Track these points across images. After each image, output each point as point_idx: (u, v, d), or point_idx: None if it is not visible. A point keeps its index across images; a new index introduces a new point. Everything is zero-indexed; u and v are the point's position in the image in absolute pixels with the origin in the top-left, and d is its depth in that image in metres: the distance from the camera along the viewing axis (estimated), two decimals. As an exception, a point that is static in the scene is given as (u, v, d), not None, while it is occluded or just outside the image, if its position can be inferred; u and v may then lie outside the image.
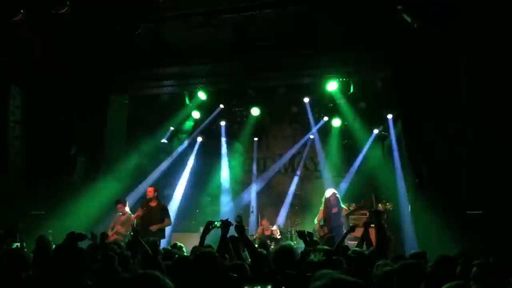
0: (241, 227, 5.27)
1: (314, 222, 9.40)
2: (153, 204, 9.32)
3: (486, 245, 6.40)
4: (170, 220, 9.54)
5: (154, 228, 8.90)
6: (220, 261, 3.66)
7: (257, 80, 10.73)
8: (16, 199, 9.12)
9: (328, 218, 9.19)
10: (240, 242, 5.20)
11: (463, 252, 5.19)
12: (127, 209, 9.79)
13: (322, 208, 9.32)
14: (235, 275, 3.22)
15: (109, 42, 9.32)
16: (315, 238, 7.80)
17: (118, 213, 9.75)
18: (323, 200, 9.43)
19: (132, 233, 5.57)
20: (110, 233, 9.47)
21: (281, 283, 2.63)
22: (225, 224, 5.61)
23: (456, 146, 8.08)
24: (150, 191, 9.40)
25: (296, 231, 5.87)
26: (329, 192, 9.40)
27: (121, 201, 9.77)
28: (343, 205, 9.37)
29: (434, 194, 8.44)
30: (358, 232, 9.54)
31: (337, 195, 9.39)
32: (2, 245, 5.40)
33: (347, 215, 9.37)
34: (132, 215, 9.63)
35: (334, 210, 9.17)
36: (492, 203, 7.50)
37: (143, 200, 9.53)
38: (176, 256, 5.14)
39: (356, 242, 8.02)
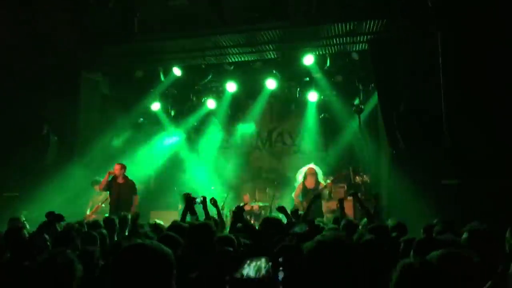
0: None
1: (292, 198, 9.50)
2: (120, 181, 9.32)
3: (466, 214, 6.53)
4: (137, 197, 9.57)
5: (133, 209, 8.84)
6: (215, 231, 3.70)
7: (232, 54, 10.57)
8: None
9: (306, 192, 9.31)
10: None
11: (439, 220, 5.32)
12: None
13: (300, 183, 9.43)
14: (230, 248, 3.26)
15: (81, 17, 9.02)
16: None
17: (94, 193, 9.72)
18: (299, 175, 9.54)
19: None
20: (89, 213, 9.44)
21: (276, 255, 2.65)
22: (206, 200, 5.73)
23: (432, 116, 8.19)
24: (117, 169, 9.38)
25: (276, 207, 5.98)
26: (306, 167, 9.52)
27: (96, 181, 9.72)
28: (321, 180, 9.45)
29: (409, 165, 8.57)
30: (333, 204, 9.78)
31: (315, 170, 9.48)
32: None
33: (323, 189, 9.47)
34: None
35: (311, 185, 9.25)
36: (467, 172, 7.65)
37: (111, 178, 9.46)
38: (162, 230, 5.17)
39: (331, 215, 8.21)
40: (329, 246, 1.94)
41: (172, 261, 2.10)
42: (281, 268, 2.54)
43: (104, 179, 9.21)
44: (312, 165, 9.63)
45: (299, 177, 9.58)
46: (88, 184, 9.96)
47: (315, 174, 9.45)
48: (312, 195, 9.05)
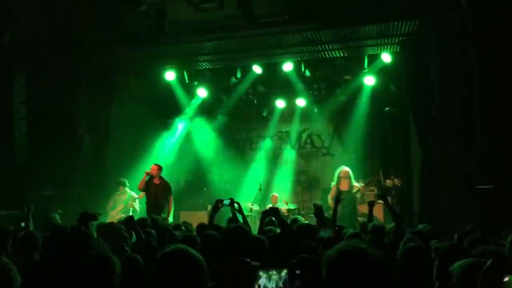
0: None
1: (328, 200, 9.43)
2: (156, 181, 9.37)
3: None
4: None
5: (170, 210, 9.18)
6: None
7: (262, 56, 10.60)
8: (24, 180, 9.15)
9: (339, 195, 9.24)
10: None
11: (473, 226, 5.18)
12: (127, 189, 9.89)
13: (334, 185, 9.38)
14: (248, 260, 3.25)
15: (114, 19, 9.19)
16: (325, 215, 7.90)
17: (117, 192, 9.84)
18: (335, 177, 9.48)
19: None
20: (112, 212, 9.60)
21: (294, 266, 2.62)
22: (234, 202, 5.74)
23: (465, 120, 7.99)
24: (154, 169, 9.40)
25: (314, 205, 5.74)
26: (340, 169, 9.51)
27: (120, 181, 9.87)
28: (355, 182, 9.39)
29: (442, 169, 8.39)
30: (364, 208, 9.68)
31: (349, 172, 9.43)
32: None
33: (356, 193, 9.42)
34: (134, 194, 9.72)
35: (345, 187, 9.24)
36: (503, 177, 7.43)
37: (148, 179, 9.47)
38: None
39: (362, 219, 8.12)
40: (349, 257, 1.82)
41: (204, 267, 2.13)
42: (297, 281, 2.50)
43: (142, 179, 9.29)
44: (345, 168, 9.56)
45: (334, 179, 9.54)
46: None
47: (348, 177, 9.40)
48: (344, 198, 9.01)
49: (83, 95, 9.89)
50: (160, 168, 9.52)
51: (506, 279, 1.88)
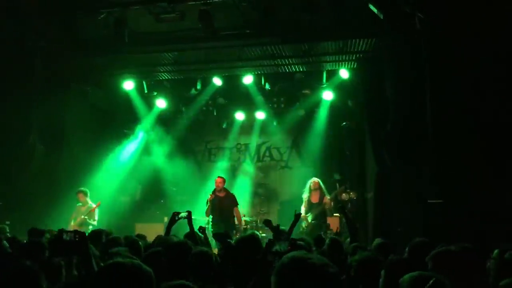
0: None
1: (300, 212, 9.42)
2: (221, 194, 9.48)
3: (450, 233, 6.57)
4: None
5: (239, 221, 9.62)
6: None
7: (222, 69, 10.63)
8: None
9: (310, 207, 9.47)
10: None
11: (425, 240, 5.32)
12: (88, 199, 9.65)
13: (306, 197, 9.50)
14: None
15: (72, 28, 9.00)
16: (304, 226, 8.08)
17: (78, 204, 9.60)
18: (306, 188, 9.59)
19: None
20: (72, 224, 9.32)
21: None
22: (190, 215, 5.71)
23: (418, 136, 8.26)
24: (220, 182, 9.55)
25: (263, 220, 5.93)
26: (310, 181, 9.65)
27: (81, 191, 9.63)
28: (326, 194, 9.54)
29: (395, 184, 8.63)
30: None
31: (319, 183, 9.61)
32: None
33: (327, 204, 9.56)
34: (94, 205, 9.49)
35: (315, 199, 9.40)
36: (452, 192, 7.70)
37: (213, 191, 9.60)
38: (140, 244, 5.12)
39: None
40: (295, 266, 1.80)
41: (152, 280, 2.09)
42: None
43: (208, 207, 9.44)
44: (315, 179, 9.68)
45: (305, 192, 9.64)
46: (73, 194, 9.83)
47: (319, 188, 9.53)
48: (316, 210, 9.15)
49: (36, 102, 9.57)
50: (224, 180, 9.69)
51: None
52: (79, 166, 10.60)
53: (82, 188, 9.78)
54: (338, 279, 1.82)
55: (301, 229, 9.27)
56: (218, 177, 9.77)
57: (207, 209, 9.50)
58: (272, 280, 1.82)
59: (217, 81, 11.10)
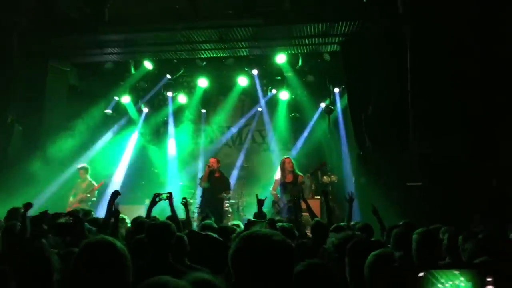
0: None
1: (270, 192, 9.14)
2: (217, 175, 9.32)
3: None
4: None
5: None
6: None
7: (204, 50, 10.49)
8: None
9: (284, 186, 8.72)
10: None
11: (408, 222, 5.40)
12: (88, 176, 9.70)
13: (279, 177, 8.91)
14: None
15: (50, 5, 8.78)
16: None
17: (78, 180, 9.55)
18: (278, 168, 9.07)
19: None
20: (72, 200, 9.28)
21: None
22: (171, 196, 5.71)
23: (399, 120, 8.34)
24: (214, 162, 9.37)
25: (257, 199, 5.94)
26: (283, 160, 8.92)
27: (83, 167, 9.60)
28: (299, 172, 8.81)
29: (376, 167, 8.72)
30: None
31: (292, 162, 8.83)
32: None
33: (302, 183, 8.92)
34: (95, 183, 9.40)
35: (289, 178, 8.69)
36: (432, 175, 7.83)
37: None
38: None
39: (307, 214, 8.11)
40: (249, 242, 1.85)
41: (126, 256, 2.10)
42: None
43: (205, 174, 9.26)
44: (287, 157, 8.99)
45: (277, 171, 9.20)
46: (52, 173, 9.73)
47: (292, 167, 8.69)
48: (292, 188, 8.57)
49: (14, 82, 9.34)
50: (218, 161, 9.51)
51: (421, 274, 1.97)
52: (58, 147, 10.42)
53: (83, 165, 9.83)
54: (286, 245, 1.85)
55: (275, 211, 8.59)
56: (212, 158, 9.67)
57: (203, 176, 9.33)
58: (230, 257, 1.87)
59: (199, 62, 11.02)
